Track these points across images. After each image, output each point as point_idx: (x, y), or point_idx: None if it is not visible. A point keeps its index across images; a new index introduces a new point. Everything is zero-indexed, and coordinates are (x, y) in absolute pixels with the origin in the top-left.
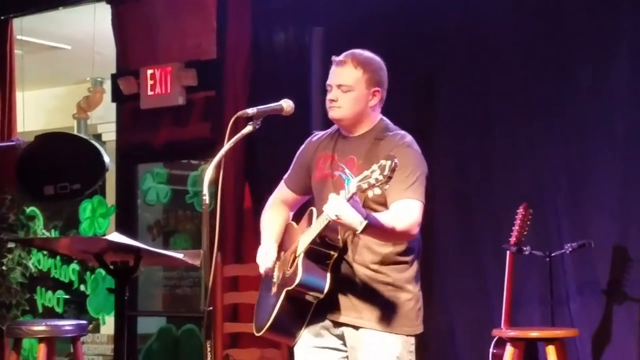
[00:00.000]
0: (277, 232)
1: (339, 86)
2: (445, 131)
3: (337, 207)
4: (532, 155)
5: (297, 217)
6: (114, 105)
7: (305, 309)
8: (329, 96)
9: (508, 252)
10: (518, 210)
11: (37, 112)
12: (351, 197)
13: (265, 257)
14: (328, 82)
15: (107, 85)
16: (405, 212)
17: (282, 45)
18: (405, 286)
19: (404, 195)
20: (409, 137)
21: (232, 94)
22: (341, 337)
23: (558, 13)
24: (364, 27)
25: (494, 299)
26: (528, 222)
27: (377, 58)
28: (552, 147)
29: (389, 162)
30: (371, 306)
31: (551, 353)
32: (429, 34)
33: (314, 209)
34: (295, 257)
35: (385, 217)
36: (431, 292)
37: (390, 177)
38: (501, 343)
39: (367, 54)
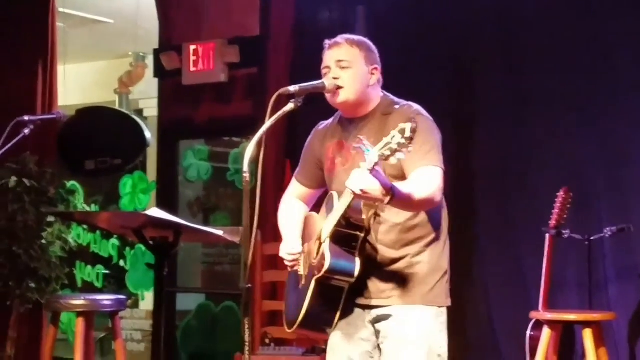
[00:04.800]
0: (298, 226)
1: (338, 62)
2: (484, 115)
3: (361, 180)
4: (572, 139)
5: (317, 209)
6: (156, 80)
7: (337, 297)
8: (331, 75)
9: (547, 235)
10: (558, 194)
11: (78, 86)
12: (373, 168)
13: (292, 252)
14: (325, 64)
15: (150, 60)
16: (427, 179)
17: (326, 23)
18: (432, 261)
19: (423, 162)
20: (416, 106)
21: (275, 71)
22: (372, 322)
23: None
24: (407, 5)
25: (532, 282)
26: (568, 206)
27: (369, 41)
28: (592, 130)
29: (408, 125)
30: (400, 284)
31: (588, 336)
32: (468, 15)
33: (334, 193)
34: (320, 244)
35: (409, 187)
36: (470, 274)
37: (412, 139)
38: (538, 325)
39: (359, 36)
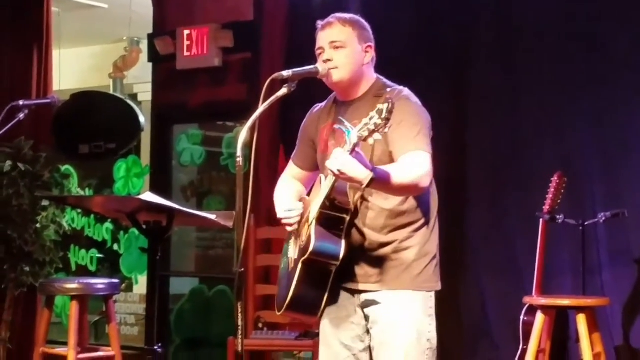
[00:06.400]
0: (293, 195)
1: (331, 44)
2: (477, 100)
3: (340, 160)
4: (566, 124)
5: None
6: (150, 65)
7: (324, 280)
8: (324, 56)
9: (541, 220)
10: (552, 179)
11: (73, 70)
12: (353, 149)
13: (290, 212)
14: (318, 45)
15: (144, 45)
16: (413, 164)
17: (320, 7)
18: (420, 246)
19: (410, 147)
20: (406, 90)
21: (269, 56)
22: (361, 307)
23: None
24: None
25: (525, 267)
26: (562, 191)
27: (361, 19)
28: (586, 115)
29: (385, 105)
30: (388, 269)
31: (582, 322)
32: (462, 2)
33: (322, 175)
34: (308, 226)
35: (392, 170)
36: (463, 259)
37: (388, 119)
38: (532, 311)
39: (351, 14)
